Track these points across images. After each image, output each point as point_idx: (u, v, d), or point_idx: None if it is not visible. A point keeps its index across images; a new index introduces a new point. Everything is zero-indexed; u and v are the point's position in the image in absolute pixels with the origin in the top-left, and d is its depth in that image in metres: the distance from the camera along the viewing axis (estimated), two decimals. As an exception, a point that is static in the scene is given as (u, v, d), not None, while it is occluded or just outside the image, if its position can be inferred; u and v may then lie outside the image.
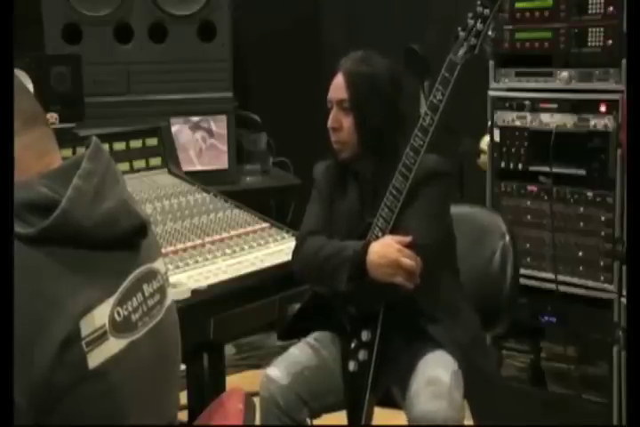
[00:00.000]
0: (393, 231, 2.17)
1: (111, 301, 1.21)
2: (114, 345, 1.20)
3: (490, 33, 2.12)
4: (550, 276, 3.01)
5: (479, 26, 2.09)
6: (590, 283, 2.93)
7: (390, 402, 2.30)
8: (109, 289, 1.23)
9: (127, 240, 1.29)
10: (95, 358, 1.16)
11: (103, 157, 1.30)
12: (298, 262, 2.27)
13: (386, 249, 2.11)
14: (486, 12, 2.09)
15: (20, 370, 1.10)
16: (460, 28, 2.12)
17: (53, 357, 1.12)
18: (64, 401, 1.13)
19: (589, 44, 2.88)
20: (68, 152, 2.41)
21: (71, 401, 1.14)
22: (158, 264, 1.38)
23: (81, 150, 1.35)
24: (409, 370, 2.18)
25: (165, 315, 1.36)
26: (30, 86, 3.10)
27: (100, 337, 1.17)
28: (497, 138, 3.15)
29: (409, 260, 2.09)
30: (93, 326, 1.17)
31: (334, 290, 2.21)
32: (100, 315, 1.19)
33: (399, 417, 2.26)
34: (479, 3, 2.10)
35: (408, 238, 2.13)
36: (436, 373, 2.14)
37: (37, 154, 1.26)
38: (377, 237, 2.17)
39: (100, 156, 1.29)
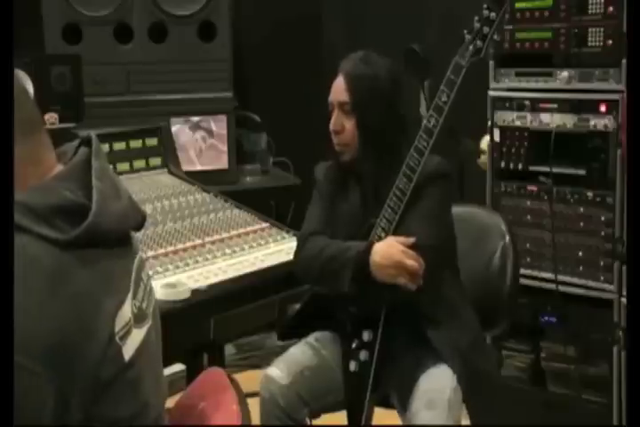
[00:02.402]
0: (396, 232, 2.17)
1: (130, 294, 1.26)
2: (137, 336, 1.26)
3: (495, 36, 2.12)
4: (550, 276, 3.00)
5: (485, 29, 2.09)
6: (590, 283, 2.93)
7: (390, 403, 2.30)
8: (127, 284, 1.27)
9: (130, 236, 1.34)
10: (128, 351, 1.22)
11: (103, 153, 1.33)
12: (300, 263, 2.26)
13: (389, 250, 2.11)
14: (492, 15, 2.09)
15: (76, 372, 1.14)
16: (466, 31, 2.12)
17: (101, 354, 1.17)
18: (107, 393, 1.18)
19: (589, 44, 2.88)
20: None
21: (112, 392, 1.19)
22: (141, 251, 1.42)
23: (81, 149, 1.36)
24: (409, 384, 2.18)
25: (155, 299, 1.42)
26: (30, 86, 3.11)
27: (127, 331, 1.23)
28: (497, 138, 3.15)
29: (412, 261, 2.09)
30: (124, 321, 1.22)
31: (337, 291, 2.21)
32: (127, 309, 1.24)
33: (399, 417, 2.25)
34: (485, 6, 2.09)
35: (411, 239, 2.12)
36: (437, 394, 2.13)
37: (34, 163, 1.25)
38: (380, 238, 2.17)
39: (102, 153, 1.33)
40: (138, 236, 1.49)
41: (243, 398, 1.49)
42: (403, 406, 2.20)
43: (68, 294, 1.16)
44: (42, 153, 1.26)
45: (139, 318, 1.28)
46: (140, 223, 1.36)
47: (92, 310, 1.17)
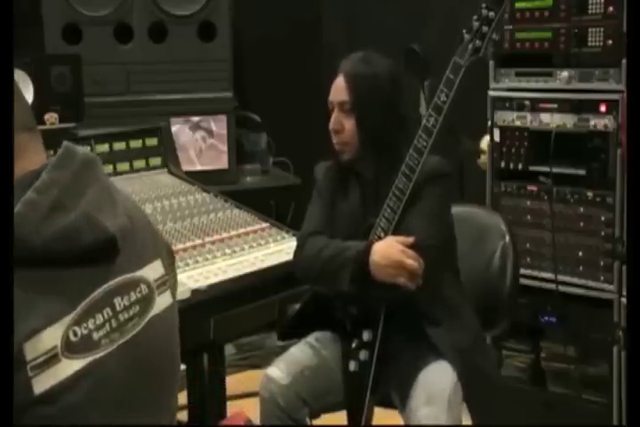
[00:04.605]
0: (395, 232, 2.17)
1: (66, 320, 1.14)
2: (67, 367, 1.13)
3: (494, 36, 2.12)
4: (550, 276, 3.01)
5: (484, 28, 2.09)
6: (590, 283, 2.93)
7: (390, 403, 2.30)
8: (64, 309, 1.15)
9: (93, 255, 1.20)
10: (43, 383, 1.10)
11: (72, 163, 1.21)
12: (300, 263, 2.26)
13: (388, 250, 2.11)
14: (491, 14, 2.09)
15: None
16: (464, 31, 2.12)
17: None
18: (22, 423, 1.09)
19: (589, 44, 2.88)
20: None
21: (21, 423, 1.09)
22: (147, 271, 1.29)
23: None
24: (409, 380, 2.18)
25: (147, 326, 1.27)
26: (30, 86, 3.11)
27: (48, 360, 1.11)
28: (497, 138, 3.15)
29: (412, 260, 2.09)
30: (41, 349, 1.11)
31: (336, 291, 2.21)
32: (50, 337, 1.12)
33: (399, 417, 2.26)
34: (484, 6, 2.09)
35: (411, 239, 2.12)
36: (436, 389, 2.13)
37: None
38: (379, 238, 2.17)
39: (69, 163, 1.21)
40: (152, 248, 1.34)
41: None
42: (403, 405, 2.20)
43: None
44: (19, 154, 1.19)
45: (78, 346, 1.15)
46: (101, 243, 1.20)
47: None
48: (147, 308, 1.27)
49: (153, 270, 1.31)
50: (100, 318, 1.19)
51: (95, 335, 1.18)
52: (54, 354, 1.12)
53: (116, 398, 1.21)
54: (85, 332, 1.16)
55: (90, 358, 1.16)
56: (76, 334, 1.15)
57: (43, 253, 1.14)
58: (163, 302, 1.32)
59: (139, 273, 1.27)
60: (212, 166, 3.94)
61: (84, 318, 1.17)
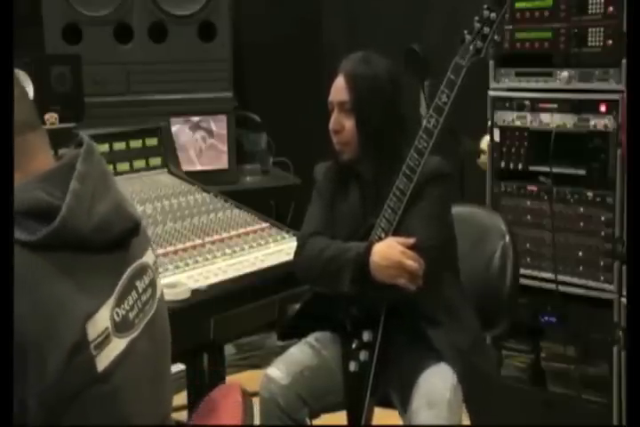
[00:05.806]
0: (395, 233, 2.17)
1: (110, 302, 1.23)
2: (117, 346, 1.22)
3: (496, 37, 2.12)
4: (550, 276, 3.00)
5: (485, 29, 2.09)
6: (590, 283, 2.93)
7: (390, 403, 2.30)
8: (108, 291, 1.24)
9: (119, 242, 1.30)
10: (103, 361, 1.19)
11: (95, 158, 1.30)
12: (300, 264, 2.26)
13: (389, 251, 2.11)
14: (492, 15, 2.09)
15: (33, 375, 1.11)
16: (466, 32, 2.12)
17: (64, 361, 1.13)
18: (73, 404, 1.15)
19: (589, 44, 2.88)
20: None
21: (79, 404, 1.16)
22: (147, 257, 1.39)
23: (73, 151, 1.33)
24: (409, 383, 2.17)
25: (157, 308, 1.38)
26: (30, 86, 3.11)
27: (105, 339, 1.20)
28: (497, 138, 3.15)
29: (412, 261, 2.09)
30: (98, 329, 1.19)
31: (337, 291, 2.21)
32: (103, 318, 1.21)
33: (399, 417, 2.26)
34: (485, 6, 2.10)
35: (411, 240, 2.12)
36: (437, 393, 2.12)
37: (17, 165, 1.23)
38: (379, 239, 2.17)
39: (93, 157, 1.29)
40: (145, 237, 1.45)
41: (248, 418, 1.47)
42: (403, 406, 2.20)
43: (32, 296, 1.13)
44: (29, 155, 1.24)
45: (121, 327, 1.24)
46: (128, 230, 1.31)
47: (57, 314, 1.14)
48: (155, 290, 1.38)
49: (149, 257, 1.41)
50: (130, 300, 1.29)
51: (130, 316, 1.28)
52: (107, 334, 1.21)
53: (148, 374, 1.32)
54: (124, 313, 1.26)
55: (129, 338, 1.26)
56: (118, 315, 1.24)
57: (88, 240, 1.23)
58: (159, 285, 1.42)
59: (144, 259, 1.37)
60: (212, 166, 3.94)
61: (121, 300, 1.26)
